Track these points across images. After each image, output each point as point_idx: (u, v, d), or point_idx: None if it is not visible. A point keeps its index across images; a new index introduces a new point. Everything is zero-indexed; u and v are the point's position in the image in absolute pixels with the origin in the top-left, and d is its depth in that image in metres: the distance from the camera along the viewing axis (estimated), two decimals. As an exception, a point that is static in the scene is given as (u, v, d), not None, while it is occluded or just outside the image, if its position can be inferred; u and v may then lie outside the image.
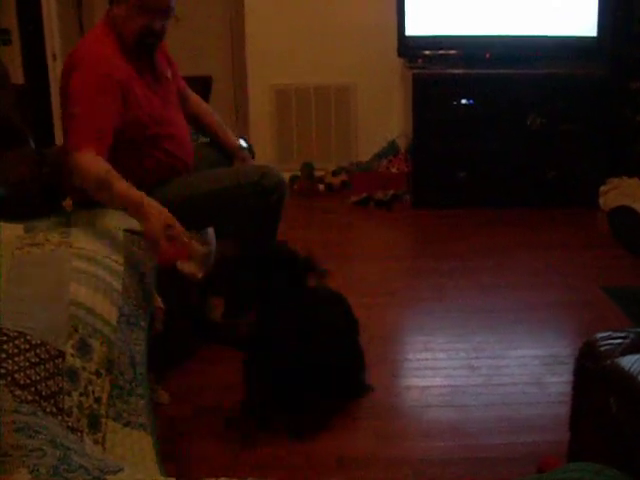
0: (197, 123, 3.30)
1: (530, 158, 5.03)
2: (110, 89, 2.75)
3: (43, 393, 1.72)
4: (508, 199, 5.03)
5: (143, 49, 2.92)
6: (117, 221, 2.66)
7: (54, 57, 4.81)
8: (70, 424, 1.74)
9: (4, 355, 1.74)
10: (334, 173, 5.40)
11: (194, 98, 3.35)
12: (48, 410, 1.70)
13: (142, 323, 2.37)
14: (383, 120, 5.52)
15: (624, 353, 1.86)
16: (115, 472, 1.50)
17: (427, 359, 3.12)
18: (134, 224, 2.65)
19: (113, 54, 2.83)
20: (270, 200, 2.95)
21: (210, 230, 3.16)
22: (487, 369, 2.97)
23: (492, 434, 2.53)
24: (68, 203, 2.94)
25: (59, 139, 4.67)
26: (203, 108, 3.37)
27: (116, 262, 2.42)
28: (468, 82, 5.01)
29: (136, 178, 2.69)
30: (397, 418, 2.66)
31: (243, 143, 3.34)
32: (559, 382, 2.82)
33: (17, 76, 4.58)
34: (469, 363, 3.03)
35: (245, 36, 5.23)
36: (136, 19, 2.83)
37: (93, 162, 2.62)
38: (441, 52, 5.11)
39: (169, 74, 3.09)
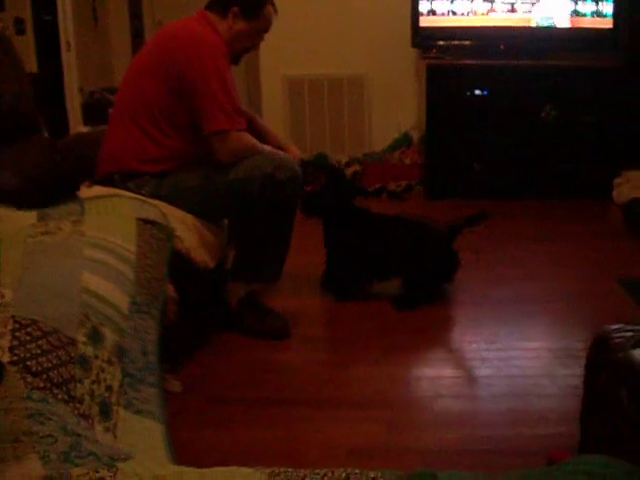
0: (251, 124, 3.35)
1: (544, 150, 5.03)
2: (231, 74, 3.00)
3: (55, 380, 1.73)
4: (521, 191, 5.03)
5: (237, 56, 3.17)
6: (130, 210, 2.66)
7: (68, 46, 4.82)
8: (81, 411, 1.75)
9: (16, 342, 1.76)
10: (347, 164, 5.40)
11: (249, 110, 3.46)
12: (60, 397, 1.71)
13: (154, 312, 2.38)
14: (396, 111, 5.51)
15: (636, 346, 1.85)
16: (125, 459, 1.51)
17: (438, 350, 3.12)
18: (147, 213, 2.66)
19: (226, 51, 3.01)
20: (285, 192, 2.95)
21: (223, 222, 3.18)
22: (498, 360, 2.96)
23: (502, 425, 2.52)
24: (82, 191, 2.95)
25: (73, 128, 4.69)
26: (256, 115, 3.46)
27: (128, 251, 2.43)
28: (482, 73, 5.00)
29: (175, 154, 2.99)
30: (407, 408, 2.65)
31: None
32: (570, 375, 2.81)
33: (31, 65, 4.60)
34: (480, 354, 3.02)
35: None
36: (251, 38, 3.14)
37: (246, 139, 2.98)
38: (455, 43, 5.09)
39: None
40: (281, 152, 3.12)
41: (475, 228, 3.50)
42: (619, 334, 1.93)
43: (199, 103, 2.90)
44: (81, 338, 1.91)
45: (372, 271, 3.56)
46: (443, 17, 5.05)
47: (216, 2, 3.08)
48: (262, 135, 3.28)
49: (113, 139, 3.05)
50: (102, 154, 3.06)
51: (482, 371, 2.90)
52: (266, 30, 3.17)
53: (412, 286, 3.50)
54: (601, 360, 1.95)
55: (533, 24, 5.02)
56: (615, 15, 4.95)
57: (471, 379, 2.87)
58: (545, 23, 5.02)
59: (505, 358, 2.99)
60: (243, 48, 3.16)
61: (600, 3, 4.95)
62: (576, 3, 4.97)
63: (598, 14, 4.98)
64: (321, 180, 3.50)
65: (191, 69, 2.87)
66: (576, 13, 5.00)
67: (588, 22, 5.01)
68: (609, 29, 4.98)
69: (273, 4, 3.13)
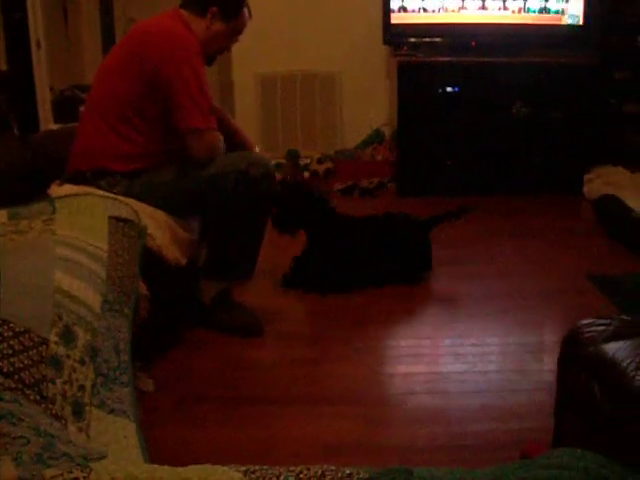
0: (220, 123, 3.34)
1: (516, 146, 5.06)
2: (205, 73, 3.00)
3: (27, 381, 1.71)
4: (493, 187, 5.06)
5: (210, 57, 3.18)
6: (102, 208, 2.64)
7: (38, 44, 4.77)
8: (54, 412, 1.73)
9: (-13, 343, 1.73)
10: (319, 161, 5.40)
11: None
12: (32, 398, 1.69)
13: (126, 310, 2.36)
14: (368, 108, 5.53)
15: (607, 340, 1.86)
16: (99, 459, 1.50)
17: (411, 346, 3.12)
18: (119, 211, 2.65)
19: (200, 49, 3.00)
20: (259, 188, 2.95)
21: (196, 219, 3.17)
22: (472, 356, 2.98)
23: (476, 421, 2.53)
24: (53, 190, 2.92)
25: (43, 125, 4.65)
26: (223, 110, 3.42)
27: (100, 249, 2.41)
28: (454, 70, 5.02)
29: (147, 151, 2.99)
30: (382, 405, 2.66)
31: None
32: (543, 370, 2.83)
33: (0, 63, 4.55)
34: (454, 350, 3.04)
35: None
36: (226, 39, 3.16)
37: (219, 138, 3.01)
38: (427, 40, 5.11)
39: None
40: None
41: (456, 221, 3.71)
42: (590, 329, 1.94)
43: (174, 99, 2.90)
44: (53, 338, 1.89)
45: (355, 270, 3.64)
46: (414, 14, 5.06)
47: (194, 1, 3.07)
48: (231, 134, 3.28)
49: (84, 137, 3.04)
50: (73, 151, 3.04)
51: (456, 367, 2.92)
52: (240, 32, 3.19)
53: (390, 273, 3.66)
54: (573, 355, 1.96)
55: (505, 21, 5.04)
56: (585, 13, 4.98)
57: (445, 375, 2.88)
58: (516, 20, 5.04)
59: (479, 354, 3.01)
60: (217, 49, 3.17)
61: (570, 0, 4.99)
62: (546, 0, 5.00)
63: (567, 11, 5.01)
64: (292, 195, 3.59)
65: (166, 64, 2.86)
66: (546, 10, 5.03)
67: (557, 19, 5.04)
68: (580, 26, 5.02)
69: (248, 7, 3.16)
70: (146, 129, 2.98)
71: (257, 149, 3.42)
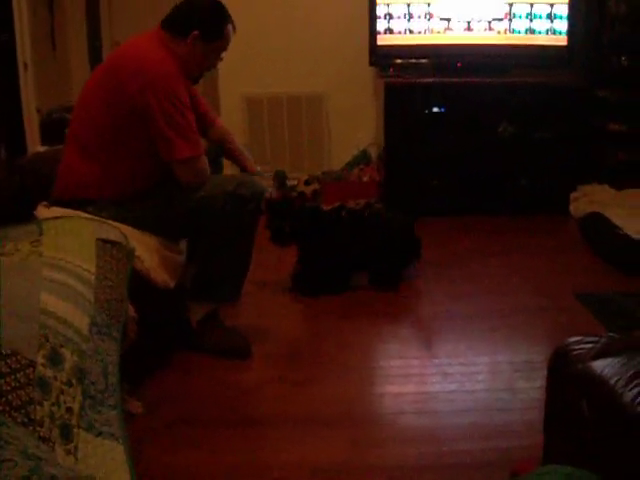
0: (223, 147, 3.36)
1: (502, 166, 5.08)
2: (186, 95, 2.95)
3: (14, 403, 1.70)
4: (480, 206, 5.07)
5: (196, 76, 3.12)
6: (90, 230, 2.64)
7: (25, 66, 4.78)
8: (41, 434, 1.72)
9: (-26, 365, 1.72)
10: (306, 182, 5.40)
11: (219, 122, 3.43)
12: (19, 420, 1.68)
13: (114, 333, 2.35)
14: (355, 129, 5.54)
15: (595, 357, 1.87)
16: (87, 482, 1.49)
17: (400, 366, 3.12)
18: (107, 233, 2.64)
19: (179, 73, 2.94)
20: (247, 209, 2.96)
21: (183, 241, 3.16)
22: (460, 375, 2.98)
23: (466, 440, 2.53)
24: (40, 212, 2.91)
25: (30, 147, 4.64)
26: (228, 132, 3.45)
27: (88, 271, 2.40)
28: (439, 90, 5.05)
29: (133, 176, 2.96)
30: (371, 425, 2.66)
31: (258, 168, 3.42)
32: (532, 388, 2.83)
33: (-13, 85, 4.56)
34: (442, 370, 3.04)
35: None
36: (210, 56, 3.07)
37: (206, 161, 2.99)
38: (413, 61, 5.14)
39: None
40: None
41: None
42: (578, 346, 1.95)
43: (157, 132, 2.86)
44: (40, 360, 1.88)
45: (348, 266, 3.88)
46: (400, 35, 5.09)
47: (174, 23, 3.00)
48: (233, 158, 3.31)
49: (67, 168, 3.00)
50: (58, 182, 3.01)
51: (444, 386, 2.92)
52: (225, 49, 3.11)
53: (380, 270, 3.89)
54: (561, 372, 1.97)
55: (489, 42, 5.08)
56: (569, 33, 5.03)
57: (434, 395, 2.88)
58: (501, 41, 5.08)
59: (467, 373, 3.01)
60: (202, 68, 3.10)
61: (555, 21, 5.03)
62: (531, 21, 5.04)
63: (552, 32, 5.05)
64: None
65: (145, 97, 2.81)
66: (531, 31, 5.07)
67: (543, 39, 5.08)
68: (563, 47, 5.05)
69: (232, 22, 3.07)
70: (129, 156, 2.94)
71: (258, 168, 3.41)
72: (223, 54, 3.13)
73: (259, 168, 3.41)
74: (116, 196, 2.94)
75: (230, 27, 3.06)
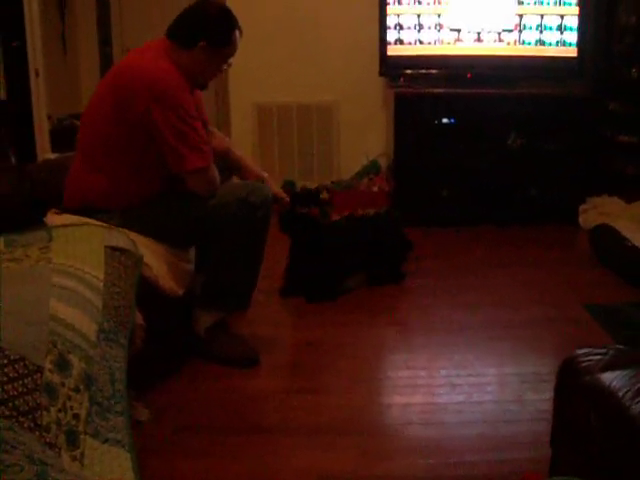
0: (227, 157, 3.33)
1: (511, 177, 5.07)
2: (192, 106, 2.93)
3: (21, 408, 1.71)
4: (489, 217, 5.06)
5: (201, 85, 3.12)
6: (99, 237, 2.64)
7: (37, 73, 4.80)
8: (48, 440, 1.72)
9: (-18, 370, 1.73)
10: (316, 191, 5.39)
11: (218, 133, 3.45)
12: (26, 425, 1.69)
13: (122, 340, 2.35)
14: (365, 139, 5.54)
15: (604, 369, 1.86)
16: (93, 488, 1.49)
17: (408, 377, 3.11)
18: (116, 240, 2.65)
19: (184, 84, 2.92)
20: (256, 215, 2.96)
21: (192, 250, 3.16)
22: (468, 387, 2.97)
23: (473, 452, 2.52)
24: (50, 218, 2.92)
25: (40, 154, 4.66)
26: (229, 141, 3.46)
27: (96, 278, 2.41)
28: (449, 101, 5.05)
29: (142, 186, 2.96)
30: (378, 436, 2.65)
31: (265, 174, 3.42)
32: (540, 399, 2.82)
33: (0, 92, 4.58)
34: (450, 381, 3.03)
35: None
36: (217, 63, 3.05)
37: (216, 170, 2.99)
38: (423, 71, 5.14)
39: None
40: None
41: None
42: (587, 358, 1.94)
43: (166, 145, 2.86)
44: (48, 366, 1.88)
45: (342, 268, 3.92)
46: (410, 46, 5.10)
47: (181, 34, 2.97)
48: (238, 169, 3.31)
49: (76, 180, 3.01)
50: (67, 192, 3.02)
51: (452, 397, 2.91)
52: (232, 55, 3.08)
53: (376, 269, 4.03)
54: (570, 384, 1.96)
55: (500, 53, 5.08)
56: (579, 45, 5.03)
57: (442, 406, 2.87)
58: (511, 52, 5.08)
59: (475, 384, 3.00)
60: (209, 76, 3.10)
61: (565, 32, 5.03)
62: (541, 32, 5.04)
63: (563, 43, 5.05)
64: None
65: (151, 112, 2.80)
66: (541, 42, 5.07)
67: (553, 51, 5.08)
68: (573, 58, 5.05)
69: (239, 27, 3.03)
70: (136, 168, 2.94)
71: (265, 174, 3.39)
72: (231, 60, 3.10)
73: (266, 174, 3.41)
74: (124, 206, 2.94)
75: (237, 33, 3.03)
